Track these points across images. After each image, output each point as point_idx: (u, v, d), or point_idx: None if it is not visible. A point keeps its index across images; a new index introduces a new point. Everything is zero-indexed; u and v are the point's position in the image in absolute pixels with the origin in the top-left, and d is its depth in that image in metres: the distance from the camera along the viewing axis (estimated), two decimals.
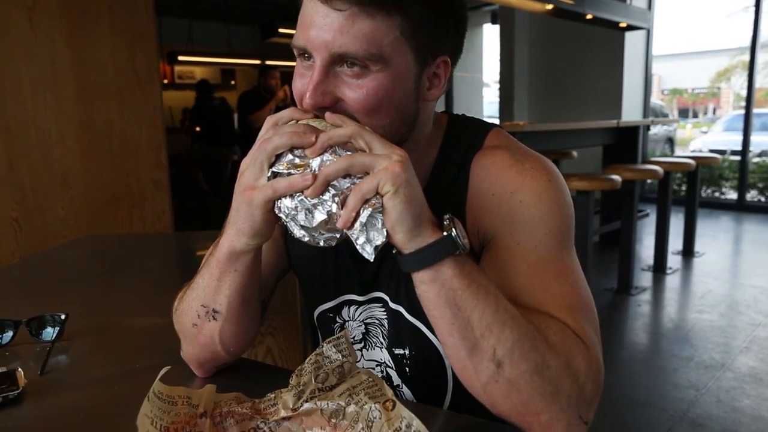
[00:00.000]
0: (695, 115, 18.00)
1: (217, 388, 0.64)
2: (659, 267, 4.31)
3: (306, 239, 0.63)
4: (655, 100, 9.98)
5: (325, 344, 0.63)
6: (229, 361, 0.81)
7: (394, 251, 0.64)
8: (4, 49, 2.59)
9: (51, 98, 2.73)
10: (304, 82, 0.69)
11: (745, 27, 6.57)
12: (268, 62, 7.11)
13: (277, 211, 0.64)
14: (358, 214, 0.60)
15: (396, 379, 0.88)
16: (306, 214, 0.61)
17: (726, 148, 7.94)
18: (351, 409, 0.60)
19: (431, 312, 0.64)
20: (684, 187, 5.81)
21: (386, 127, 0.69)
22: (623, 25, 5.27)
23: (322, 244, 0.63)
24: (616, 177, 3.45)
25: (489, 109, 10.33)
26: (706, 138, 11.16)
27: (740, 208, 6.70)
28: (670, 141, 10.18)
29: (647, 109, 6.89)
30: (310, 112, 0.67)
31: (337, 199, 0.60)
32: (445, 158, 0.81)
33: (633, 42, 6.33)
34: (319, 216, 0.61)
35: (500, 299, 0.64)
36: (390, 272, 0.83)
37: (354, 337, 0.90)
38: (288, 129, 0.63)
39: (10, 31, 2.60)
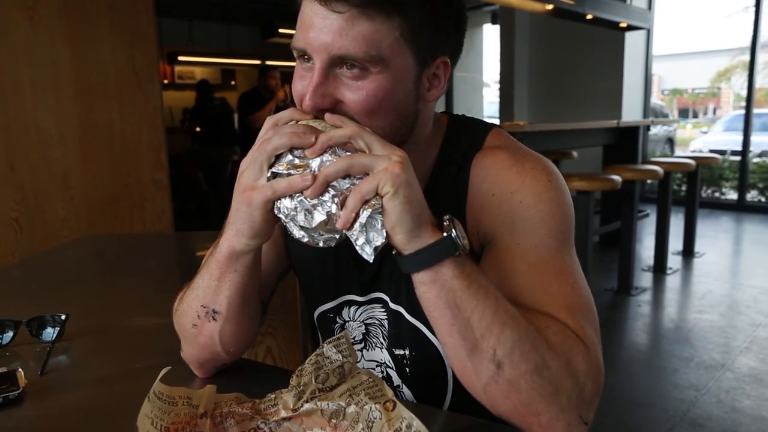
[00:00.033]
0: (695, 116, 18.00)
1: (218, 388, 0.64)
2: (659, 267, 4.31)
3: (305, 240, 0.63)
4: (656, 100, 9.97)
5: (325, 345, 0.63)
6: (229, 361, 0.81)
7: (393, 252, 0.64)
8: (5, 49, 2.59)
9: (51, 98, 2.73)
10: (303, 84, 0.69)
11: (746, 27, 6.56)
12: (269, 62, 7.11)
13: (276, 212, 0.64)
14: (357, 215, 0.60)
15: (396, 380, 0.88)
16: (305, 215, 0.61)
17: (726, 148, 7.94)
18: (351, 409, 0.60)
19: (431, 313, 0.64)
20: (684, 188, 5.81)
21: (386, 128, 0.69)
22: (623, 25, 5.27)
23: (321, 244, 0.63)
24: (617, 177, 3.45)
25: (489, 109, 10.33)
26: (706, 138, 11.16)
27: (740, 208, 6.70)
28: (670, 141, 10.18)
29: (647, 109, 6.89)
30: (310, 113, 0.67)
31: (336, 199, 0.60)
32: (445, 158, 0.81)
33: (633, 42, 6.33)
34: (319, 217, 0.61)
35: (500, 300, 0.64)
36: (390, 273, 0.83)
37: (354, 337, 0.90)
38: (288, 129, 0.63)
39: (11, 31, 2.60)
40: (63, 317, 0.98)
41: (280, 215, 0.63)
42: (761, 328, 3.21)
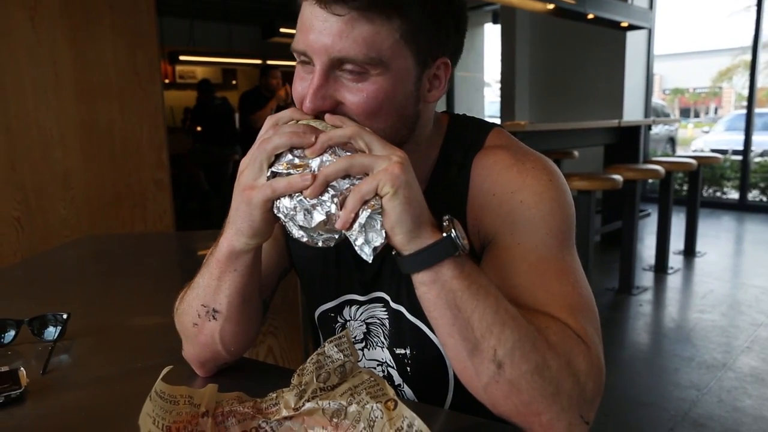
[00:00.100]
0: (697, 115, 17.98)
1: (219, 387, 0.64)
2: (661, 267, 4.31)
3: (304, 239, 0.63)
4: (657, 99, 9.96)
5: (326, 344, 0.64)
6: (230, 360, 0.81)
7: (393, 253, 0.64)
8: (6, 49, 2.59)
9: (52, 98, 2.73)
10: (304, 86, 0.69)
11: (747, 26, 6.55)
12: (270, 62, 7.12)
13: (276, 211, 0.64)
14: (357, 215, 0.60)
15: (397, 379, 0.88)
16: (305, 215, 0.61)
17: (727, 147, 7.93)
18: (353, 408, 0.60)
19: (431, 313, 0.64)
20: (685, 187, 5.79)
21: (386, 129, 0.69)
22: (625, 24, 5.26)
23: (320, 244, 0.63)
24: (618, 177, 3.45)
25: (490, 108, 10.33)
26: (708, 138, 11.15)
27: (742, 207, 6.69)
28: (672, 141, 10.18)
29: (649, 108, 6.88)
30: (310, 114, 0.67)
31: (336, 199, 0.60)
32: (446, 158, 0.81)
33: (634, 41, 6.33)
34: (318, 216, 0.61)
35: (500, 300, 0.64)
36: (391, 272, 0.83)
37: (355, 336, 0.90)
38: (288, 129, 0.63)
39: (12, 31, 2.60)
40: (65, 316, 0.98)
41: (280, 215, 0.63)
42: (763, 328, 3.20)
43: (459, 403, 0.82)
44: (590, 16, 4.72)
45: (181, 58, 7.93)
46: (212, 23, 8.44)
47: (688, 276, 4.33)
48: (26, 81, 2.66)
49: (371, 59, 0.65)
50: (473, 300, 0.62)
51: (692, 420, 2.28)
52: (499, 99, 7.28)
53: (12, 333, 0.96)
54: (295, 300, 1.46)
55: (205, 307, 0.74)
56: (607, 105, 6.36)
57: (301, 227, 0.62)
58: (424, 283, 0.63)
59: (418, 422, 0.55)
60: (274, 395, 0.64)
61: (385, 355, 0.88)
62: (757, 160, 7.28)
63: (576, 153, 4.82)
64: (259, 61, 7.69)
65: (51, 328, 0.97)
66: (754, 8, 6.28)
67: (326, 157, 0.62)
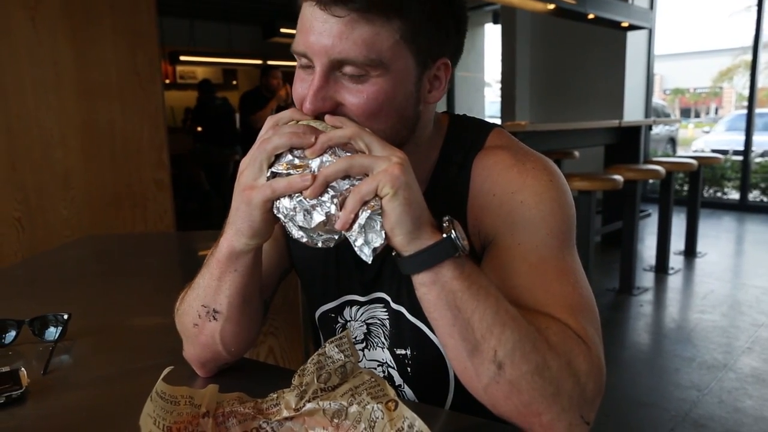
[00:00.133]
0: (697, 115, 17.97)
1: (220, 388, 0.64)
2: (661, 267, 4.31)
3: (304, 240, 0.63)
4: (657, 99, 9.95)
5: (327, 344, 0.64)
6: (230, 361, 0.81)
7: (393, 254, 0.64)
8: (7, 48, 2.59)
9: (53, 98, 2.73)
10: (304, 87, 0.69)
11: (748, 26, 6.55)
12: (270, 62, 7.13)
13: (275, 212, 0.63)
14: (356, 216, 0.60)
15: (398, 379, 0.88)
16: (304, 215, 0.61)
17: (728, 148, 7.93)
18: (353, 409, 0.60)
19: (431, 314, 0.64)
20: (686, 187, 5.79)
21: (387, 130, 0.69)
22: (625, 24, 5.26)
23: (320, 245, 0.63)
24: (618, 177, 3.45)
25: (491, 109, 10.33)
26: (708, 138, 11.15)
27: (742, 208, 6.69)
28: (672, 141, 10.17)
29: (649, 108, 6.88)
30: (310, 115, 0.67)
31: (336, 200, 0.60)
32: (446, 159, 0.81)
33: (635, 41, 6.33)
34: (318, 217, 0.61)
35: (500, 300, 0.64)
36: (391, 273, 0.83)
37: (356, 337, 0.90)
38: (288, 129, 0.63)
39: (13, 31, 2.60)
40: (65, 317, 0.98)
41: (279, 215, 0.63)
42: (763, 329, 3.20)
43: (459, 403, 0.82)
44: (591, 16, 4.72)
45: (182, 58, 7.95)
46: (213, 23, 8.45)
47: (689, 276, 4.33)
48: (27, 81, 2.66)
49: (371, 61, 0.65)
50: (473, 301, 0.62)
51: (693, 420, 2.28)
52: (499, 99, 7.28)
53: (13, 333, 0.96)
54: (296, 300, 1.46)
55: (206, 308, 0.74)
56: (607, 105, 6.36)
57: (300, 228, 0.62)
58: (424, 284, 0.63)
59: (419, 423, 0.55)
60: (275, 396, 0.64)
61: (385, 355, 0.88)
62: (758, 160, 7.28)
63: (576, 153, 4.82)
64: (259, 62, 7.71)
65: (52, 329, 0.97)
66: (755, 8, 6.27)
67: (326, 157, 0.62)
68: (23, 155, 2.68)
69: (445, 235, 0.61)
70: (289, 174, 0.62)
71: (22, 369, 0.80)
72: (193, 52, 7.98)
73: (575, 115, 6.19)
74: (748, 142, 6.58)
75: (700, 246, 4.81)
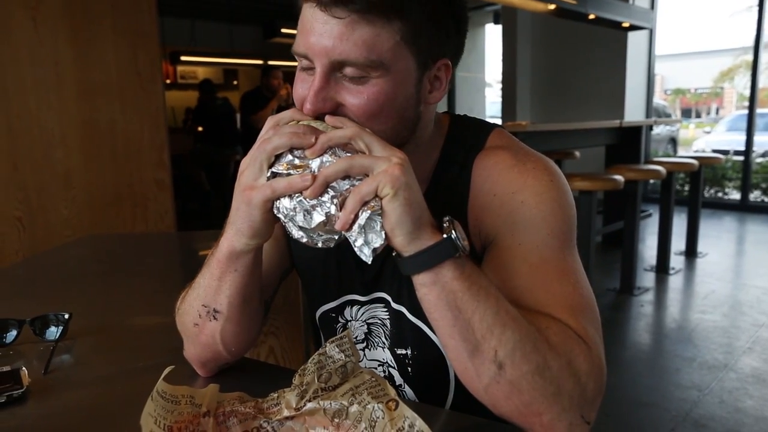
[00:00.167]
0: (698, 115, 17.96)
1: (221, 387, 0.64)
2: (662, 267, 4.31)
3: (304, 240, 0.63)
4: (658, 100, 9.95)
5: (328, 344, 0.64)
6: (231, 360, 0.81)
7: (393, 254, 0.64)
8: (8, 48, 2.60)
9: (54, 98, 2.73)
10: (304, 88, 0.69)
11: (749, 27, 6.54)
12: (271, 62, 7.12)
13: (275, 212, 0.63)
14: (356, 216, 0.60)
15: (398, 379, 0.88)
16: (304, 215, 0.61)
17: (729, 148, 7.93)
18: (354, 408, 0.60)
19: (432, 314, 0.64)
20: (687, 188, 5.79)
21: (387, 130, 0.69)
22: (626, 24, 5.26)
23: (320, 245, 0.63)
24: (619, 177, 3.45)
25: (491, 109, 10.32)
26: (709, 138, 11.15)
27: (743, 208, 6.69)
28: (673, 141, 10.16)
29: (650, 109, 6.87)
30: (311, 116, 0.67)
31: (336, 200, 0.60)
32: (447, 159, 0.81)
33: (636, 42, 6.32)
34: (318, 217, 0.61)
35: (501, 300, 0.64)
36: (392, 272, 0.83)
37: (356, 337, 0.90)
38: (288, 129, 0.63)
39: (14, 30, 2.61)
40: (66, 316, 0.98)
41: (279, 215, 0.63)
42: (764, 329, 3.20)
43: (460, 403, 0.82)
44: (591, 16, 4.72)
45: (183, 58, 7.95)
46: (214, 23, 8.45)
47: (690, 276, 4.32)
48: (28, 81, 2.66)
49: (372, 62, 0.65)
50: (474, 301, 0.62)
51: (693, 420, 2.28)
52: (500, 99, 7.29)
53: (14, 333, 0.96)
54: (297, 300, 1.46)
55: (206, 308, 0.74)
56: (608, 105, 6.36)
57: (300, 228, 0.62)
58: (424, 284, 0.63)
59: (420, 422, 0.55)
60: (276, 395, 0.64)
61: (386, 355, 0.88)
62: (759, 160, 7.28)
63: (577, 153, 4.82)
64: (260, 62, 7.71)
65: (52, 328, 0.97)
66: (756, 8, 6.27)
67: (326, 157, 0.62)
68: (24, 155, 2.68)
69: (445, 236, 0.61)
70: (289, 174, 0.62)
71: (23, 368, 0.81)
72: (194, 52, 7.98)
73: (576, 115, 6.19)
74: (749, 142, 6.58)
75: (701, 246, 4.81)
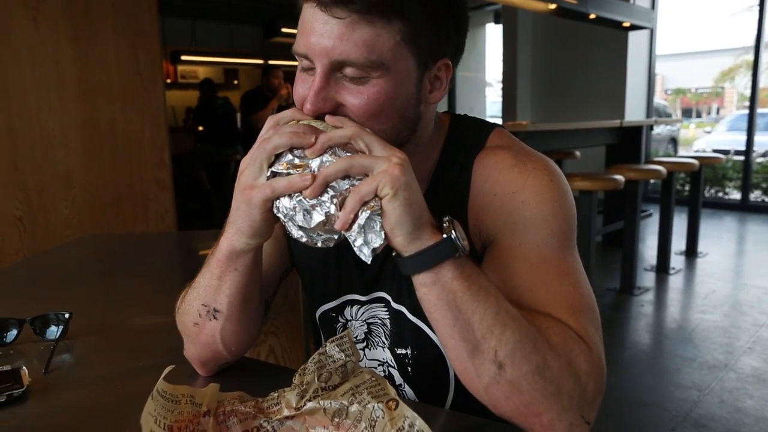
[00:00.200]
0: (699, 115, 17.96)
1: (221, 387, 0.64)
2: (662, 267, 4.31)
3: (304, 240, 0.63)
4: (659, 99, 9.95)
5: (328, 344, 0.64)
6: (231, 360, 0.81)
7: (393, 254, 0.64)
8: (9, 48, 2.60)
9: (54, 98, 2.74)
10: (305, 88, 0.69)
11: (750, 26, 6.54)
12: (271, 62, 7.11)
13: (275, 211, 0.64)
14: (356, 216, 0.60)
15: (398, 379, 0.88)
16: (304, 215, 0.61)
17: (729, 148, 7.93)
18: (354, 408, 0.60)
19: (432, 314, 0.64)
20: (687, 187, 5.80)
21: (387, 130, 0.69)
22: (626, 24, 5.26)
23: (319, 245, 0.63)
24: (619, 177, 3.45)
25: (492, 108, 10.32)
26: (710, 138, 11.14)
27: (744, 208, 6.69)
28: (674, 141, 10.16)
29: (650, 108, 6.87)
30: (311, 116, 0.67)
31: (335, 200, 0.60)
32: (447, 159, 0.81)
33: (636, 41, 6.32)
34: (318, 217, 0.61)
35: (501, 300, 0.64)
36: (392, 272, 0.83)
37: (356, 336, 0.90)
38: (288, 129, 0.63)
39: (14, 30, 2.61)
40: (66, 316, 0.98)
41: (279, 215, 0.63)
42: (764, 329, 3.20)
43: (460, 403, 0.82)
44: (592, 16, 4.72)
45: (183, 57, 7.94)
46: (214, 23, 8.45)
47: (690, 276, 4.32)
48: (28, 81, 2.66)
49: (372, 62, 0.65)
50: (474, 301, 0.62)
51: (693, 420, 2.28)
52: (500, 99, 7.28)
53: (14, 332, 0.96)
54: (297, 300, 1.46)
55: (206, 307, 0.74)
56: (608, 105, 6.36)
57: (300, 227, 0.62)
58: (424, 284, 0.63)
59: (420, 422, 0.55)
60: (276, 395, 0.64)
61: (386, 355, 0.88)
62: (759, 160, 7.28)
63: (578, 153, 4.82)
64: (260, 61, 7.70)
65: (53, 328, 0.97)
66: (757, 8, 6.26)
67: (326, 157, 0.62)
68: (25, 155, 2.68)
69: (445, 236, 0.61)
70: (289, 174, 0.62)
71: (24, 368, 0.81)
72: (195, 52, 7.97)
73: (576, 115, 6.19)
74: (749, 142, 6.58)
75: (701, 246, 4.80)
